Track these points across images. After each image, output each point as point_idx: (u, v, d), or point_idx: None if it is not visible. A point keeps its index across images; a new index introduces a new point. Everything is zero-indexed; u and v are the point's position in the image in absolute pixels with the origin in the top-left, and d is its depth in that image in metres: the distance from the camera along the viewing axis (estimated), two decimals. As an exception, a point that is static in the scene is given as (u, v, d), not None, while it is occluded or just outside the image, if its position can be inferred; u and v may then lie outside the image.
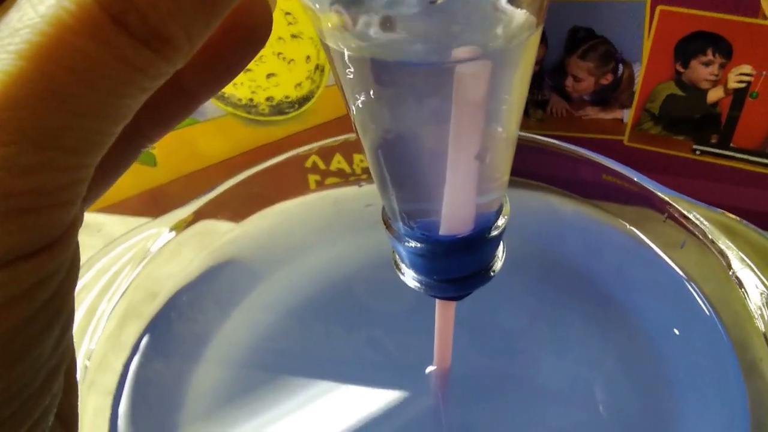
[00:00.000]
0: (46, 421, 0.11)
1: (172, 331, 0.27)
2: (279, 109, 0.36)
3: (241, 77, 0.34)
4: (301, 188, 0.34)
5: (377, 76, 0.13)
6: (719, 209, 0.26)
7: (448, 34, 0.12)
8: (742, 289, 0.23)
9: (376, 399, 0.24)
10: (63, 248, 0.10)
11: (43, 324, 0.10)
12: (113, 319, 0.25)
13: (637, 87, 0.34)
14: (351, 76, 0.14)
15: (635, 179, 0.28)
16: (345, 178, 0.34)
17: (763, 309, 0.23)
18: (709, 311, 0.25)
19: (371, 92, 0.14)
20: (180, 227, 0.28)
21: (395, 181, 0.16)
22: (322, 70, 0.35)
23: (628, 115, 0.35)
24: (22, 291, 0.09)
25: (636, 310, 0.26)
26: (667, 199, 0.27)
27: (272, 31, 0.13)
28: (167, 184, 0.38)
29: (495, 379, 0.25)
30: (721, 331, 0.24)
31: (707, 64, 0.32)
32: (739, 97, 0.32)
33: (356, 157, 0.33)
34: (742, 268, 0.24)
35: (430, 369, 0.24)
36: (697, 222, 0.26)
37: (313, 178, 0.34)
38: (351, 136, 0.33)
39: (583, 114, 0.36)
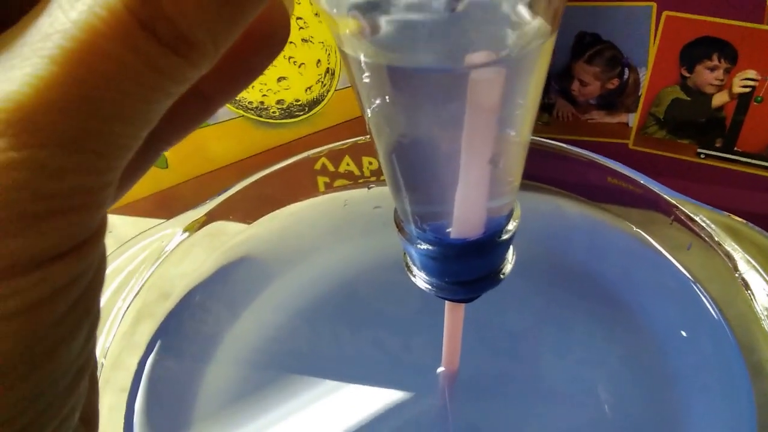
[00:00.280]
0: (72, 420, 0.11)
1: (184, 330, 0.27)
2: (289, 112, 0.36)
3: (253, 80, 0.34)
4: (311, 190, 0.34)
5: (393, 81, 0.13)
6: (725, 212, 0.26)
7: (464, 41, 0.12)
8: (749, 291, 0.23)
9: (383, 399, 0.24)
10: (92, 249, 0.10)
11: (72, 324, 0.10)
12: (127, 318, 0.25)
13: (643, 91, 0.34)
14: (367, 81, 0.14)
15: (642, 182, 0.28)
16: (354, 181, 0.34)
17: (768, 311, 0.23)
18: (715, 313, 0.25)
19: (387, 97, 0.14)
20: (192, 228, 0.28)
21: (408, 184, 0.16)
22: (332, 74, 0.35)
23: (633, 119, 0.36)
24: (52, 292, 0.09)
25: (643, 312, 0.26)
26: (673, 201, 0.27)
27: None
28: (178, 185, 0.38)
29: (502, 379, 0.25)
30: (727, 332, 0.25)
31: (712, 69, 0.32)
32: (743, 101, 0.32)
33: (365, 160, 0.34)
34: (749, 270, 0.24)
35: (438, 370, 0.24)
36: (704, 224, 0.26)
37: (322, 180, 0.34)
38: (360, 138, 0.33)
39: (588, 118, 0.37)
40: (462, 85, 0.13)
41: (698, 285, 0.26)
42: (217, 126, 0.36)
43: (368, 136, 0.16)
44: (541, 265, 0.29)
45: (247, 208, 0.31)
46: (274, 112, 0.36)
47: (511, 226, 0.17)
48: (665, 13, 0.32)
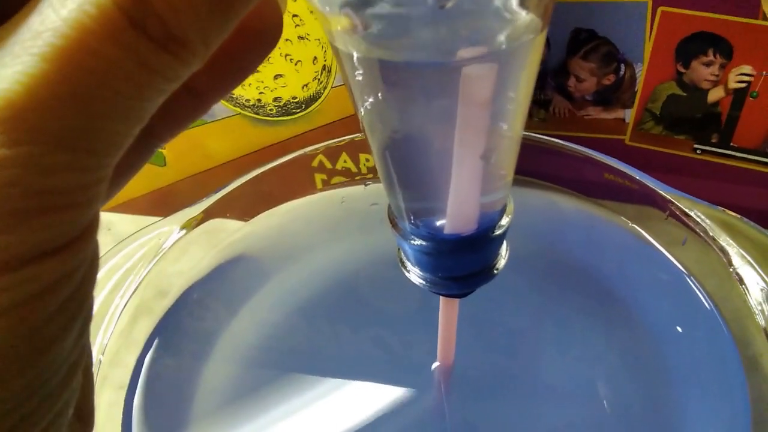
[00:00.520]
0: (65, 416, 0.11)
1: (182, 327, 0.27)
2: (286, 109, 0.36)
3: (249, 78, 0.34)
4: (308, 187, 0.34)
5: (385, 76, 0.14)
6: (720, 207, 0.26)
7: (455, 35, 0.12)
8: (743, 286, 0.24)
9: (381, 395, 0.24)
10: (83, 246, 0.10)
11: (65, 321, 0.10)
12: (125, 316, 0.25)
13: (639, 87, 0.34)
14: (359, 77, 0.14)
15: (637, 177, 0.28)
16: (351, 178, 0.34)
17: (763, 305, 0.23)
18: (710, 307, 0.25)
19: (379, 93, 0.14)
20: (190, 226, 0.29)
21: (402, 180, 0.16)
22: (329, 71, 0.35)
23: (629, 115, 0.36)
24: (44, 288, 0.09)
25: (638, 307, 0.26)
26: (668, 197, 0.27)
27: (279, 33, 0.13)
28: (176, 183, 0.38)
29: (498, 375, 0.25)
30: (722, 326, 0.25)
31: (708, 64, 0.32)
32: (739, 97, 0.33)
33: (362, 157, 0.34)
34: (743, 265, 0.24)
35: (433, 366, 0.24)
36: (698, 220, 0.26)
37: (319, 177, 0.34)
38: (357, 135, 0.33)
39: (585, 114, 0.37)
40: (454, 80, 0.13)
41: (693, 280, 0.27)
42: (214, 124, 0.36)
43: (364, 133, 0.16)
44: (537, 261, 0.29)
45: (244, 206, 0.31)
46: (271, 110, 0.36)
47: (505, 221, 0.17)
48: (661, 9, 0.32)
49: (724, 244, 0.25)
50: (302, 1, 0.33)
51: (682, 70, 0.33)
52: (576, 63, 0.35)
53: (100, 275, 0.26)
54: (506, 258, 0.18)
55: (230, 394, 0.25)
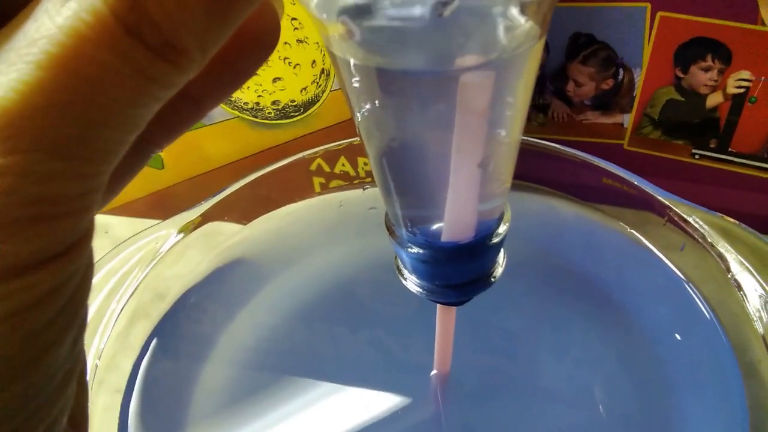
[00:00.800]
0: (60, 423, 0.11)
1: (179, 331, 0.27)
2: (285, 112, 0.36)
3: (247, 81, 0.34)
4: (307, 191, 0.34)
5: (382, 84, 0.13)
6: (718, 213, 0.26)
7: (453, 43, 0.12)
8: (741, 292, 0.24)
9: (379, 400, 0.24)
10: (78, 254, 0.10)
11: (59, 329, 0.10)
12: (122, 320, 0.25)
13: (638, 92, 0.34)
14: (356, 84, 0.14)
15: (636, 183, 0.28)
16: (349, 181, 0.34)
17: (761, 311, 0.23)
18: (708, 313, 0.25)
19: (376, 100, 0.14)
20: (188, 229, 0.29)
21: (399, 187, 0.16)
22: (328, 75, 0.35)
23: (628, 120, 0.36)
24: (39, 297, 0.09)
25: (636, 312, 0.27)
26: (667, 203, 0.27)
27: (278, 37, 0.13)
28: (174, 186, 0.38)
29: (496, 380, 0.25)
30: (720, 333, 0.25)
31: (707, 69, 0.32)
32: (738, 102, 0.33)
33: (360, 161, 0.34)
34: (741, 271, 0.24)
35: (431, 373, 0.24)
36: (697, 225, 0.26)
37: (317, 181, 0.34)
38: (355, 139, 0.33)
39: (583, 118, 0.37)
40: (451, 88, 0.13)
41: (691, 285, 0.27)
42: (212, 127, 0.36)
43: (361, 139, 0.16)
44: (535, 265, 0.29)
45: (242, 209, 0.31)
46: (269, 113, 0.36)
47: (502, 229, 0.17)
48: (659, 14, 0.32)
49: (722, 250, 0.25)
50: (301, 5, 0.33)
51: (681, 75, 0.33)
52: (575, 67, 0.35)
53: (96, 279, 0.26)
54: (503, 266, 0.18)
55: (228, 398, 0.25)
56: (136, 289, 0.26)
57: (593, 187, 0.30)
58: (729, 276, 0.24)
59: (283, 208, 0.33)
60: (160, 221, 0.28)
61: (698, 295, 0.26)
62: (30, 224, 0.09)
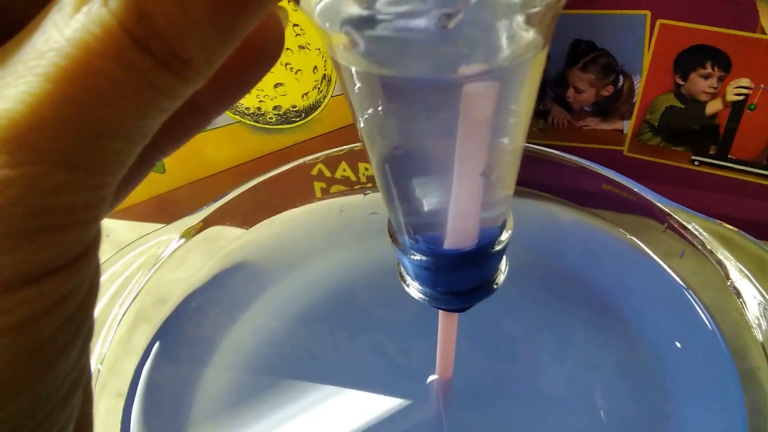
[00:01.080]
0: (67, 431, 0.11)
1: (181, 335, 0.27)
2: (286, 118, 0.36)
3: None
4: (308, 196, 0.34)
5: (385, 92, 0.13)
6: (718, 220, 0.26)
7: (456, 54, 0.12)
8: (740, 299, 0.24)
9: (380, 404, 0.24)
10: (85, 264, 0.10)
11: (67, 338, 0.10)
12: (124, 324, 0.25)
13: (637, 98, 0.35)
14: (359, 92, 0.14)
15: (635, 190, 0.28)
16: (350, 187, 0.34)
17: (760, 319, 0.23)
18: (707, 320, 0.26)
19: (379, 108, 0.14)
20: (189, 234, 0.29)
21: (401, 195, 0.16)
22: (329, 80, 0.35)
23: (628, 126, 0.36)
24: (46, 307, 0.09)
25: (635, 318, 0.27)
26: (666, 210, 0.27)
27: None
28: (175, 190, 0.38)
29: (496, 385, 0.25)
30: (719, 340, 0.25)
31: (706, 76, 0.33)
32: (737, 109, 0.33)
33: (361, 166, 0.34)
34: (740, 279, 0.24)
35: (431, 378, 0.24)
36: (696, 233, 0.26)
37: (318, 186, 0.34)
38: (356, 145, 0.33)
39: (583, 124, 0.37)
40: (455, 97, 0.13)
41: (691, 292, 0.27)
42: (214, 131, 0.36)
43: (363, 146, 0.16)
44: (535, 271, 0.29)
45: (243, 214, 0.31)
46: (270, 118, 0.36)
47: (504, 236, 0.17)
48: (659, 22, 0.32)
49: (721, 257, 0.25)
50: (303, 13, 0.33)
51: (681, 82, 0.33)
52: (575, 74, 0.36)
53: (100, 282, 0.26)
54: (506, 273, 0.18)
55: (229, 402, 0.25)
56: (138, 294, 0.26)
57: (593, 193, 0.30)
58: (728, 283, 0.24)
59: (284, 213, 0.33)
60: (161, 225, 0.29)
61: (697, 302, 0.26)
62: (37, 235, 0.09)
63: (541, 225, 0.32)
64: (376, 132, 0.15)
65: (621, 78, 0.34)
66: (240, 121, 0.36)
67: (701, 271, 0.26)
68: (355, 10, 0.12)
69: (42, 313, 0.09)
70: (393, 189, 0.16)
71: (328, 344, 0.27)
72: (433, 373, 0.24)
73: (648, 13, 0.32)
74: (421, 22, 0.11)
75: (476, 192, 0.15)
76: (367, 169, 0.34)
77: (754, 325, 0.23)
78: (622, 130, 0.36)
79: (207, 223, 0.29)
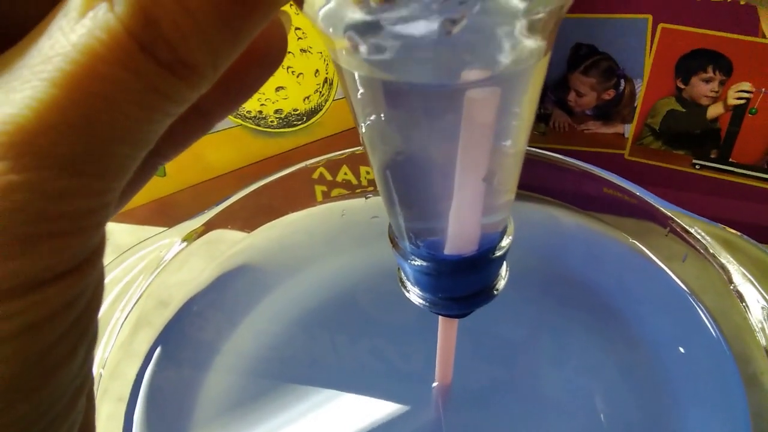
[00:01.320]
0: None
1: (183, 339, 0.27)
2: (287, 121, 0.36)
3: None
4: (309, 200, 0.34)
5: (388, 97, 0.14)
6: (720, 224, 0.26)
7: (459, 60, 0.12)
8: (743, 303, 0.24)
9: (380, 408, 0.24)
10: (90, 270, 0.10)
11: (71, 344, 0.10)
12: (126, 328, 0.25)
13: (639, 102, 0.35)
14: (362, 96, 0.14)
15: (637, 193, 0.28)
16: (352, 190, 0.34)
17: (764, 323, 0.23)
18: (710, 324, 0.25)
19: (381, 113, 0.14)
20: (191, 238, 0.29)
21: (403, 200, 0.16)
22: (331, 84, 0.35)
23: (629, 130, 0.36)
24: (50, 312, 0.09)
25: (638, 322, 0.27)
26: (669, 213, 0.27)
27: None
28: (176, 193, 0.38)
29: (497, 388, 0.25)
30: (722, 344, 0.25)
31: (707, 80, 0.33)
32: (738, 113, 0.33)
33: (363, 170, 0.34)
34: (743, 283, 0.24)
35: (432, 384, 0.24)
36: (699, 236, 0.26)
37: (320, 190, 0.34)
38: (358, 148, 0.33)
39: (584, 128, 0.37)
40: (457, 103, 0.13)
41: (693, 296, 0.27)
42: (215, 135, 0.36)
43: (365, 150, 0.16)
44: (536, 275, 0.29)
45: (245, 218, 0.31)
46: (272, 122, 0.36)
47: (505, 242, 0.17)
48: (661, 25, 0.32)
49: (724, 261, 0.25)
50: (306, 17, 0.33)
51: (682, 86, 0.33)
52: (576, 78, 0.36)
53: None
54: (506, 278, 0.18)
55: (230, 406, 0.25)
56: (139, 298, 0.26)
57: (594, 196, 0.30)
58: (731, 287, 0.24)
59: (285, 217, 0.33)
60: (162, 229, 0.29)
61: (700, 306, 0.26)
62: (42, 240, 0.09)
63: (542, 229, 0.32)
64: (378, 137, 0.15)
65: (622, 82, 0.35)
66: (241, 125, 0.36)
67: (704, 275, 0.26)
68: (358, 15, 0.12)
69: (47, 318, 0.09)
70: (394, 194, 0.16)
71: (329, 348, 0.27)
72: (432, 377, 0.24)
73: (650, 17, 0.32)
74: (424, 28, 0.11)
75: (478, 198, 0.15)
76: (368, 172, 0.34)
77: (757, 329, 0.23)
78: (623, 134, 0.36)
79: (208, 226, 0.29)
